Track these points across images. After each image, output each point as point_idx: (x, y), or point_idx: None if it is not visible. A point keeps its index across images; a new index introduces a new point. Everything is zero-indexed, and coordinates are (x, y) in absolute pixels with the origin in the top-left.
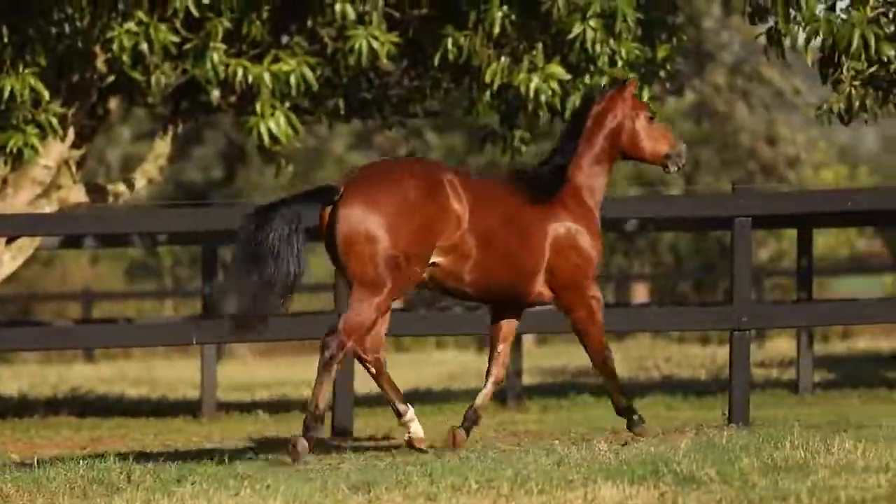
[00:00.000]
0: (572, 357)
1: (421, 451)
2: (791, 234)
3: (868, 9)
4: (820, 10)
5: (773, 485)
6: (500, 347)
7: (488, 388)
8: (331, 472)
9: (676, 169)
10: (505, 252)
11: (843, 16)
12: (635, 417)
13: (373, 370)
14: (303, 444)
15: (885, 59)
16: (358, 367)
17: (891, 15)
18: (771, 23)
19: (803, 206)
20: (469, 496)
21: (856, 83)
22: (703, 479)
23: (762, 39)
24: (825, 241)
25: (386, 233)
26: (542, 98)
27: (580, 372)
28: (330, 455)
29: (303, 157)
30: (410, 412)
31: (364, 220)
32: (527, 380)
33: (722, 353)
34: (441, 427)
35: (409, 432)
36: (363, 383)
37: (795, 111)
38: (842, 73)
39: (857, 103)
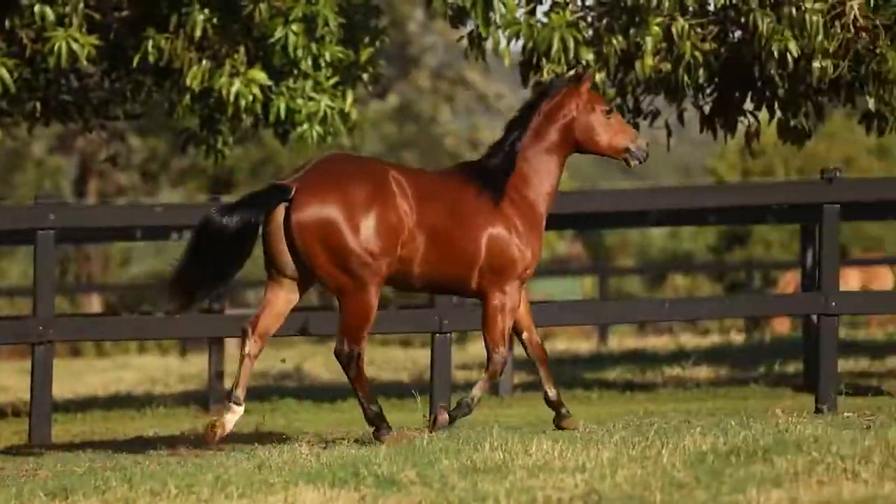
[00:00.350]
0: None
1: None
2: None
3: (567, 13)
4: (520, 13)
5: (472, 486)
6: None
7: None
8: (27, 480)
9: (638, 163)
10: (449, 246)
11: (544, 19)
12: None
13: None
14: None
15: (584, 63)
16: (58, 372)
17: (589, 19)
18: (471, 26)
19: None
20: (169, 501)
21: None
22: (403, 481)
23: (464, 42)
24: None
25: (350, 232)
26: (243, 102)
27: (283, 375)
28: (27, 462)
29: (1, 160)
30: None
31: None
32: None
33: (424, 355)
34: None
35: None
36: (63, 389)
37: (499, 115)
38: (542, 75)
39: None
